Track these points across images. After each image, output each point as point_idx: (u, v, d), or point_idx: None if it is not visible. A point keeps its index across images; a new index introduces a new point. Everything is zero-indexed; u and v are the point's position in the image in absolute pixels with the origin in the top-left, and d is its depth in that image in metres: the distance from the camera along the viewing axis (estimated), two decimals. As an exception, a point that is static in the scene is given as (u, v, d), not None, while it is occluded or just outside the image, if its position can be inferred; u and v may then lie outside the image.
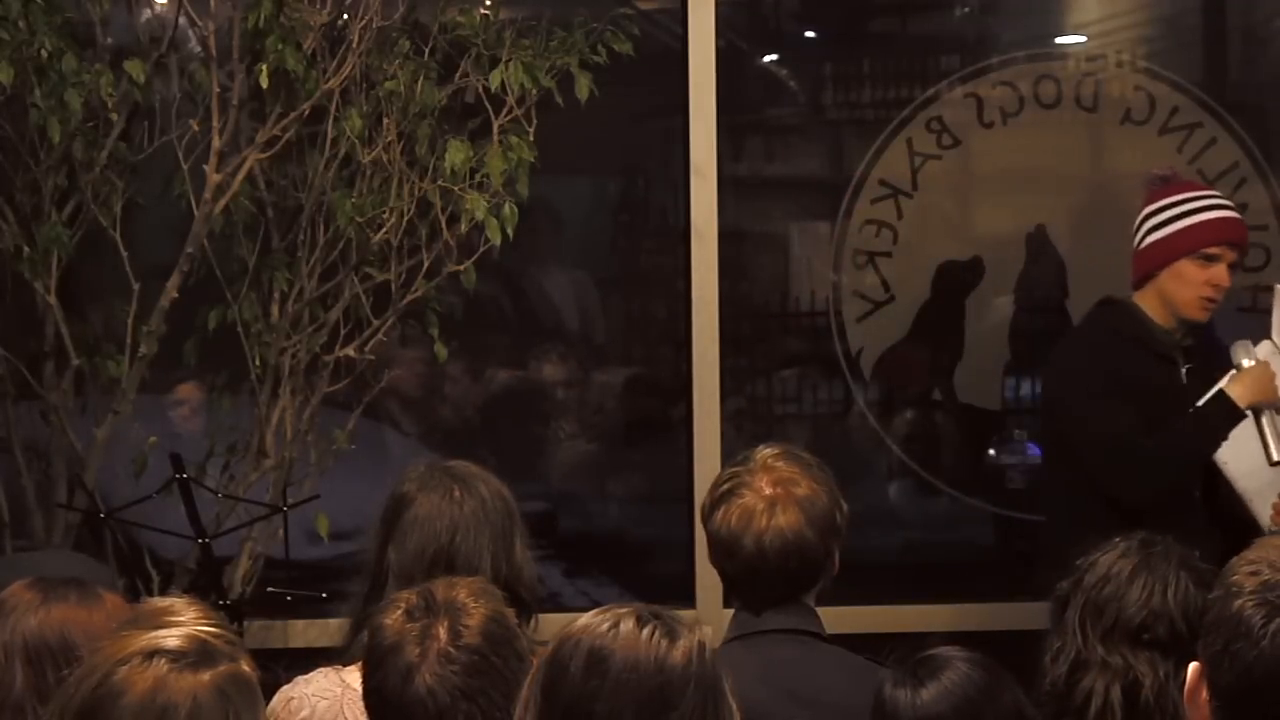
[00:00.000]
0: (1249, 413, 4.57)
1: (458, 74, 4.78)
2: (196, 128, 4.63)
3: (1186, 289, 4.63)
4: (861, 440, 5.47)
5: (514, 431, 5.49)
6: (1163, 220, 4.66)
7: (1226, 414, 4.57)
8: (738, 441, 4.96)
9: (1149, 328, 4.67)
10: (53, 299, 4.60)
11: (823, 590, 3.50)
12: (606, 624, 2.37)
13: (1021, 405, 5.51)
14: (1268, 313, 5.45)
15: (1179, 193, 4.70)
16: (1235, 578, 2.10)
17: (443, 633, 2.69)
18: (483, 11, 4.83)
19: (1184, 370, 4.68)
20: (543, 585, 4.11)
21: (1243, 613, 2.06)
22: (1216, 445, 4.57)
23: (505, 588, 3.15)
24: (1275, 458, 4.55)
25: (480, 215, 4.61)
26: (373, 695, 2.75)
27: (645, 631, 2.36)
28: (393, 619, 2.74)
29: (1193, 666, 2.13)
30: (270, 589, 4.70)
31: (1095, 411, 4.62)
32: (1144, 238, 4.69)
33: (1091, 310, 4.84)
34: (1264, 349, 4.66)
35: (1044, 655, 3.15)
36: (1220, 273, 4.61)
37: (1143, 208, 4.75)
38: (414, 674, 2.67)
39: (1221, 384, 4.60)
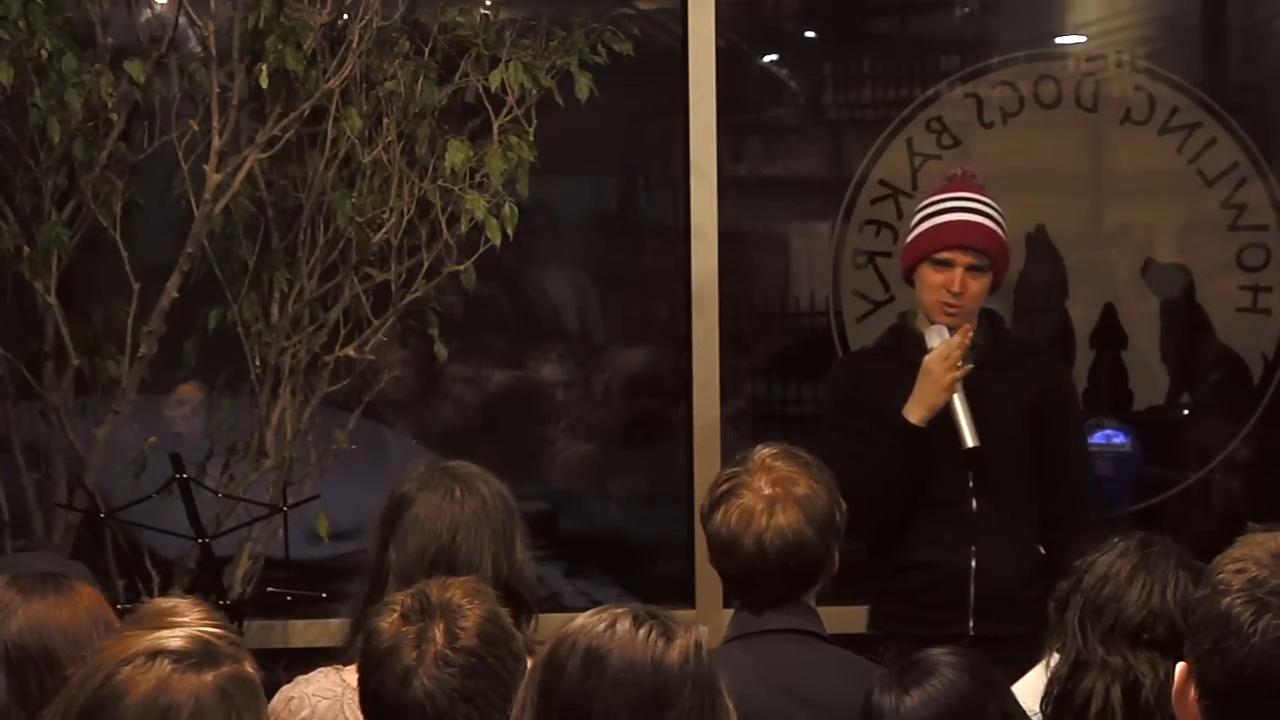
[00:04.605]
0: (921, 424, 4.41)
1: (458, 74, 4.78)
2: (196, 128, 4.63)
3: (927, 294, 4.54)
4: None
5: (514, 431, 5.49)
6: (911, 225, 4.63)
7: (899, 433, 4.43)
8: (738, 441, 4.96)
9: (912, 340, 4.57)
10: (53, 299, 4.60)
11: (823, 590, 3.50)
12: (603, 624, 2.37)
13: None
14: (1268, 313, 5.48)
15: (939, 193, 4.63)
16: (1221, 575, 2.09)
17: (439, 635, 2.69)
18: (483, 11, 4.83)
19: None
20: (543, 585, 4.11)
21: (1231, 610, 2.05)
22: (898, 463, 4.43)
23: (505, 588, 3.16)
24: (969, 444, 4.39)
25: (480, 215, 4.62)
26: (370, 699, 2.75)
27: (642, 631, 2.35)
28: (388, 622, 2.74)
29: (1180, 666, 2.13)
30: (270, 589, 4.70)
31: (824, 439, 4.55)
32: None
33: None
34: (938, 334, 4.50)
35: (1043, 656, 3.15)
36: (953, 278, 4.48)
37: None
38: (412, 677, 2.67)
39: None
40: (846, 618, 4.78)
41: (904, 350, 4.58)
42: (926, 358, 4.45)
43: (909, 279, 4.63)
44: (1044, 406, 4.60)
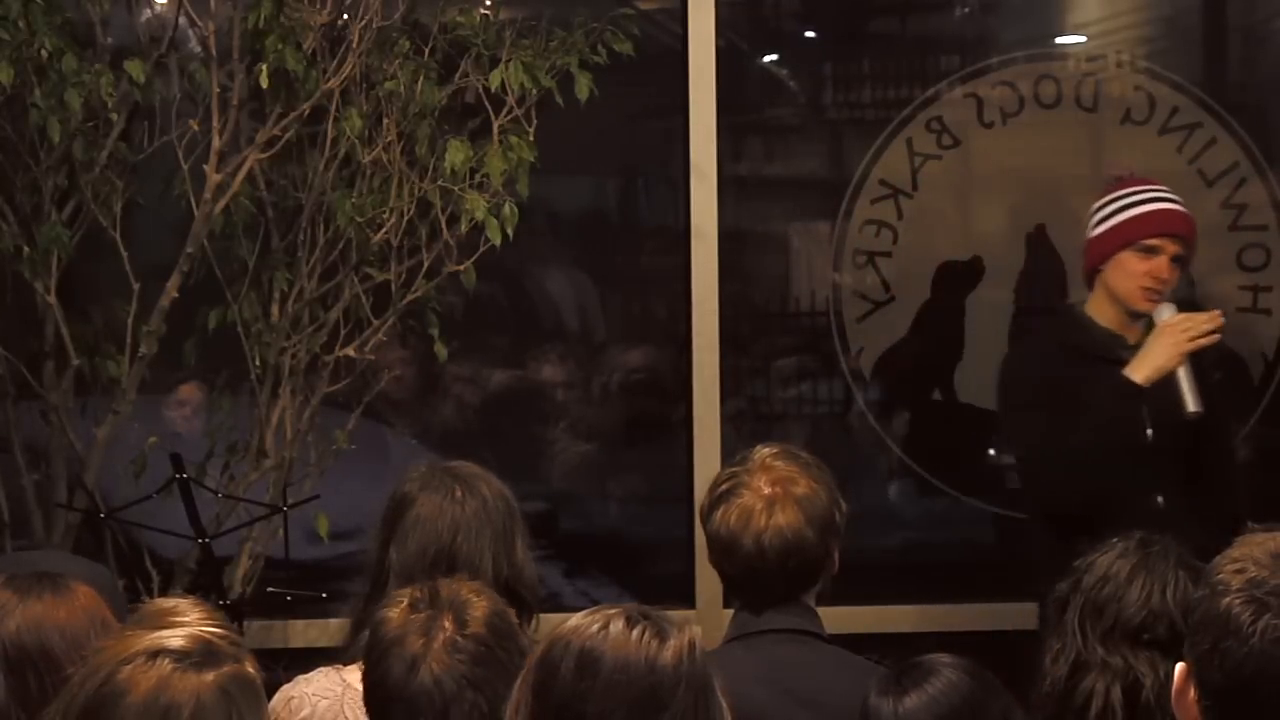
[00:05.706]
0: (1145, 384, 4.43)
1: (458, 74, 4.78)
2: (196, 128, 4.63)
3: (1127, 280, 4.57)
4: (861, 440, 5.47)
5: (514, 431, 5.49)
6: (1105, 215, 4.64)
7: (1121, 392, 4.45)
8: (738, 441, 4.96)
9: (1088, 331, 4.62)
10: (53, 299, 4.61)
11: (822, 590, 3.50)
12: (597, 625, 2.37)
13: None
14: (1268, 313, 5.48)
15: (1123, 188, 4.67)
16: (1220, 575, 2.10)
17: (448, 623, 2.70)
18: (483, 11, 4.84)
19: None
20: (543, 585, 4.11)
21: (1230, 610, 2.06)
22: (1117, 425, 4.45)
23: (506, 588, 3.17)
24: (1191, 408, 4.41)
25: (480, 215, 4.62)
26: (375, 689, 2.75)
27: (635, 632, 2.36)
28: (396, 612, 2.74)
29: (1179, 667, 2.13)
30: (270, 589, 4.70)
31: (1013, 426, 4.65)
32: (1089, 232, 4.69)
33: (1039, 321, 4.84)
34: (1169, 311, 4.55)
35: (1043, 656, 3.15)
36: (1161, 264, 4.54)
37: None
38: (419, 664, 2.67)
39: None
40: (851, 618, 4.79)
41: (1088, 346, 4.60)
42: (1163, 321, 4.48)
43: (1096, 269, 4.64)
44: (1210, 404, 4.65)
